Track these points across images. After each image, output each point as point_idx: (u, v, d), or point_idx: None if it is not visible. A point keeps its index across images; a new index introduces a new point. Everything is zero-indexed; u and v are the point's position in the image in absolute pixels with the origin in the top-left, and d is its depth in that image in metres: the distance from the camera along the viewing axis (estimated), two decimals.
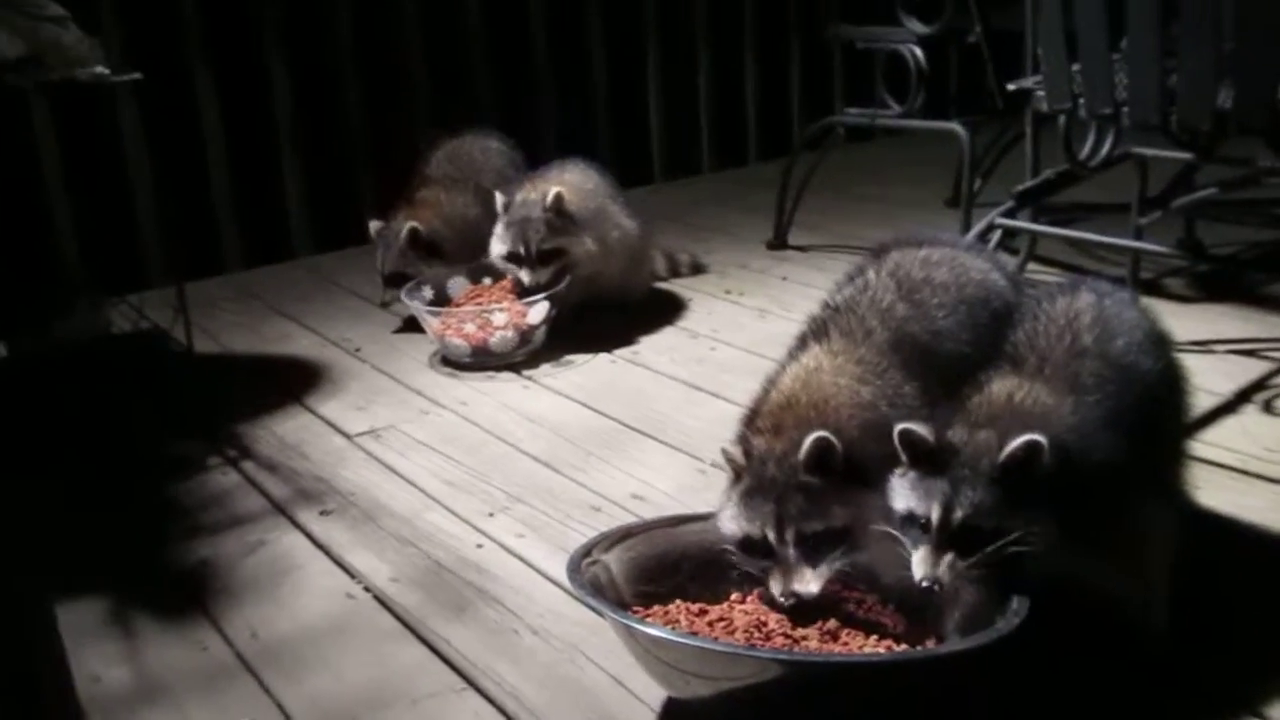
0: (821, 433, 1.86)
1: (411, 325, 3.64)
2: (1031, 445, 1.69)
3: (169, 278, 3.62)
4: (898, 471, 1.80)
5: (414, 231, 3.65)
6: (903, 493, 1.78)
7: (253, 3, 4.42)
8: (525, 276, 3.39)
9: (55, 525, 2.53)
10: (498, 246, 3.44)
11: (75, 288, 3.83)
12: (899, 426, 1.78)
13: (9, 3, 3.02)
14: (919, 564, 1.75)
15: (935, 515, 1.73)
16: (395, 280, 3.64)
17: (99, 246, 4.27)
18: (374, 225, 3.76)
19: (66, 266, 4.21)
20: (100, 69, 3.11)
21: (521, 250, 3.39)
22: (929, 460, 1.76)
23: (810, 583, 1.86)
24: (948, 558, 1.73)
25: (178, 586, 2.34)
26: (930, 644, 1.84)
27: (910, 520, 1.77)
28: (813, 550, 1.87)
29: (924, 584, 1.74)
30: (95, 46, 3.13)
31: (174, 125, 4.35)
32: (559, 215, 3.39)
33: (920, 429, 1.76)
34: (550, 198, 3.38)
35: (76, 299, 3.53)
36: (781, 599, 1.87)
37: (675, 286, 3.95)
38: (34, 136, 4.13)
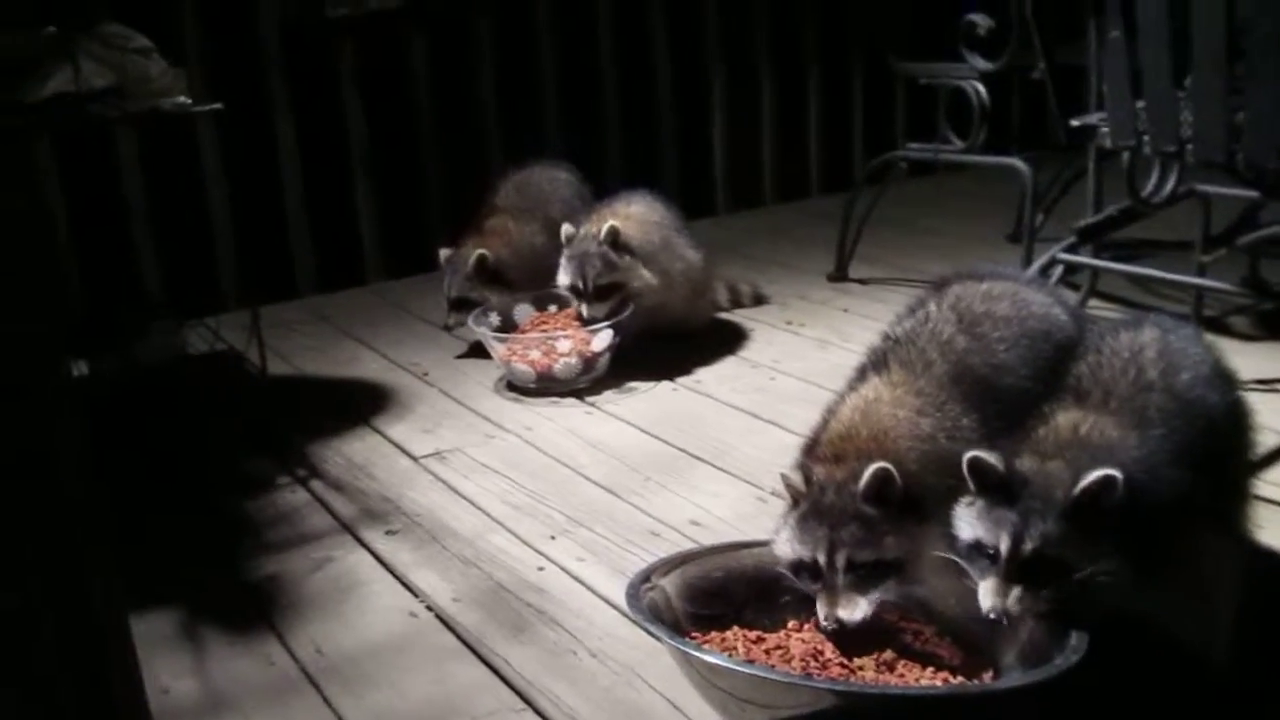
0: (882, 464, 1.85)
1: (478, 350, 3.66)
2: (1107, 480, 1.66)
3: (244, 301, 3.66)
4: (964, 500, 1.78)
5: (481, 259, 3.67)
6: (970, 521, 1.76)
7: (331, 38, 4.48)
8: (584, 310, 3.42)
9: (129, 539, 2.56)
10: (561, 277, 3.47)
11: (155, 311, 3.89)
12: (968, 454, 1.76)
13: (97, 35, 3.08)
14: (987, 594, 1.72)
15: (1005, 545, 1.70)
16: (460, 305, 3.67)
17: (178, 271, 4.34)
18: (443, 253, 3.79)
19: (147, 290, 4.28)
20: (183, 99, 3.17)
21: (580, 285, 3.41)
22: (997, 489, 1.73)
23: (856, 610, 1.84)
24: (1016, 590, 1.70)
25: (246, 601, 2.36)
26: (987, 678, 1.81)
27: (977, 549, 1.74)
28: (862, 579, 1.85)
29: (991, 614, 1.71)
30: (179, 77, 3.18)
31: (252, 154, 4.41)
32: (615, 249, 3.40)
33: (990, 457, 1.74)
34: (604, 232, 3.39)
35: (156, 321, 3.58)
36: (825, 623, 1.85)
37: (737, 317, 3.94)
38: (118, 164, 4.21)
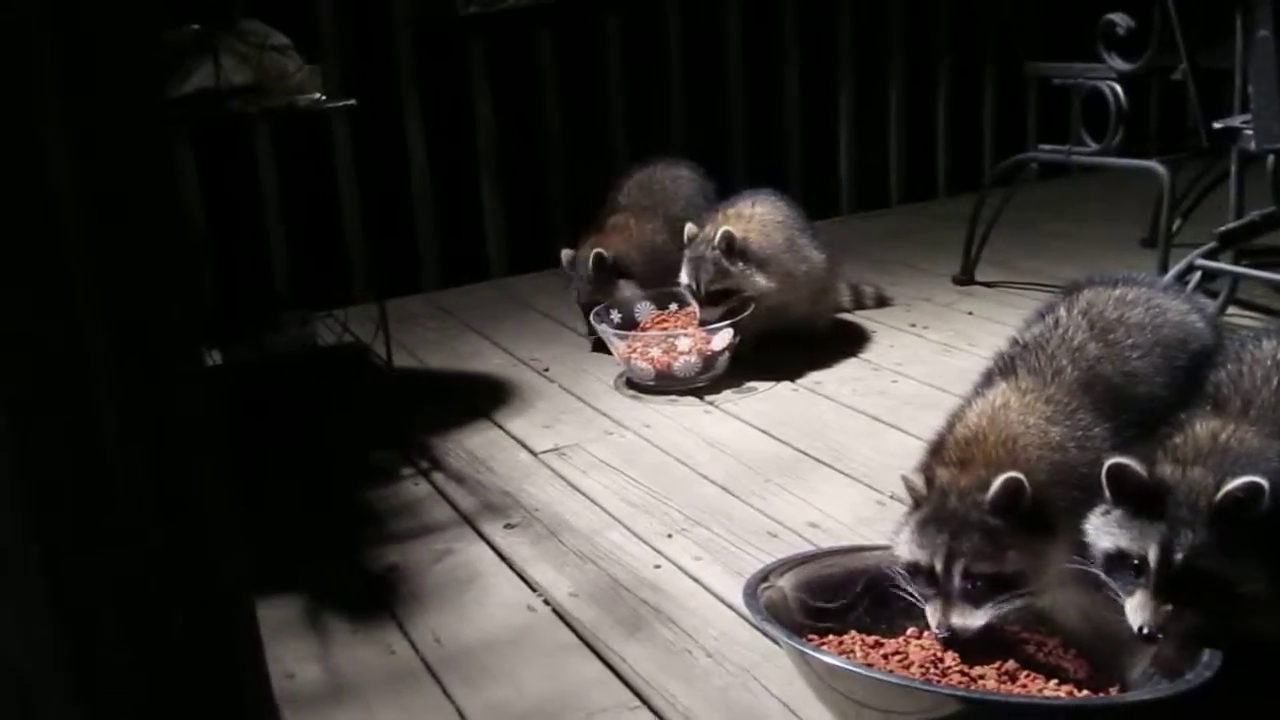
0: (1014, 474, 1.81)
1: (598, 347, 3.68)
2: (1252, 487, 1.61)
3: (372, 295, 3.73)
4: (1099, 509, 1.73)
5: (599, 258, 3.68)
6: (1110, 531, 1.71)
7: (461, 36, 4.54)
8: (699, 315, 3.42)
9: (257, 526, 2.63)
10: (682, 276, 3.47)
11: (286, 303, 3.98)
12: (1109, 460, 1.71)
13: (237, 31, 3.17)
14: (1137, 610, 1.67)
15: (1154, 556, 1.65)
16: (592, 310, 3.67)
17: (309, 263, 4.45)
18: (565, 254, 3.81)
19: (278, 282, 4.39)
20: (318, 95, 3.24)
21: (694, 287, 3.42)
22: (1138, 498, 1.69)
23: (970, 619, 1.81)
24: (1168, 606, 1.65)
25: (368, 590, 2.41)
26: (1114, 692, 1.77)
27: (1120, 560, 1.69)
28: (980, 590, 1.82)
29: (1144, 631, 1.66)
30: (315, 74, 3.26)
31: (382, 150, 4.49)
32: (730, 255, 3.38)
33: (1132, 463, 1.70)
34: (718, 237, 3.37)
35: (287, 313, 3.67)
36: (937, 629, 1.83)
37: (859, 318, 3.90)
38: (254, 158, 4.32)
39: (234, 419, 3.02)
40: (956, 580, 1.82)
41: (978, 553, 1.82)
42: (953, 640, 1.83)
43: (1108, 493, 1.72)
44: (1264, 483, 1.61)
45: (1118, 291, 2.16)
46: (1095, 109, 3.81)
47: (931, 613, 1.84)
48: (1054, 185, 5.08)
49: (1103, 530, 1.73)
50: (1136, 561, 1.67)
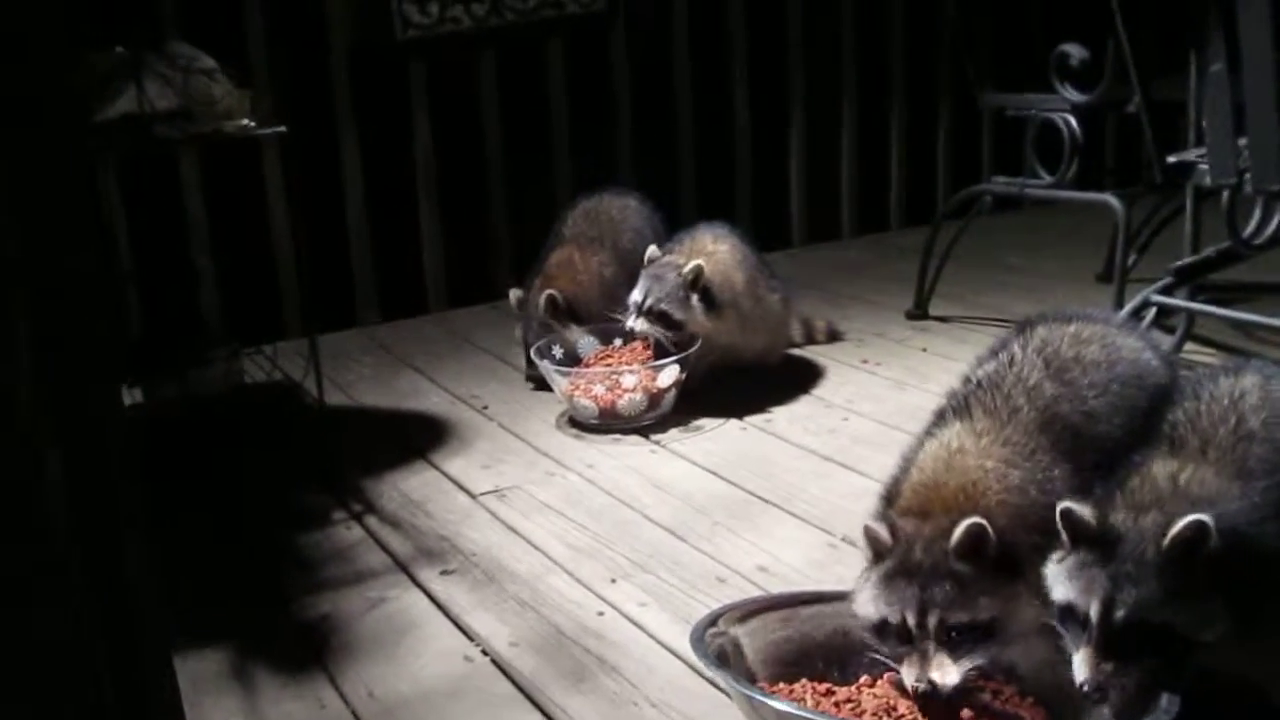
0: (977, 519, 1.82)
1: (540, 384, 3.67)
2: (1197, 527, 1.63)
3: (303, 329, 3.71)
4: (1055, 556, 1.74)
5: (552, 300, 3.66)
6: (1061, 582, 1.72)
7: (400, 61, 4.54)
8: (629, 320, 3.43)
9: (178, 573, 2.58)
10: (634, 292, 3.47)
11: (213, 338, 3.94)
12: (1061, 505, 1.72)
13: (164, 54, 3.15)
14: (1080, 666, 1.68)
15: (1095, 613, 1.66)
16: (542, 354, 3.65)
17: (237, 296, 4.41)
18: (513, 294, 3.80)
19: (205, 316, 4.34)
20: (247, 121, 3.23)
21: (639, 298, 3.42)
22: (1091, 544, 1.70)
23: (950, 673, 1.81)
24: (1110, 664, 1.65)
25: (298, 640, 2.38)
26: None
27: (1069, 612, 1.71)
28: (955, 642, 1.82)
29: (1084, 689, 1.67)
30: (244, 99, 3.24)
31: (316, 178, 4.47)
32: (692, 287, 3.40)
33: (1083, 510, 1.71)
34: (689, 269, 3.39)
35: (213, 349, 3.63)
36: (916, 683, 1.82)
37: (810, 354, 3.92)
38: (180, 186, 4.29)
39: (156, 460, 2.99)
40: (932, 633, 1.82)
41: (951, 602, 1.82)
42: (933, 695, 1.82)
43: (1063, 537, 1.73)
44: (1209, 520, 1.62)
45: (1072, 328, 2.18)
46: (1050, 141, 3.87)
47: (909, 669, 1.83)
48: (1009, 218, 5.15)
49: (1056, 579, 1.74)
50: (1082, 616, 1.68)
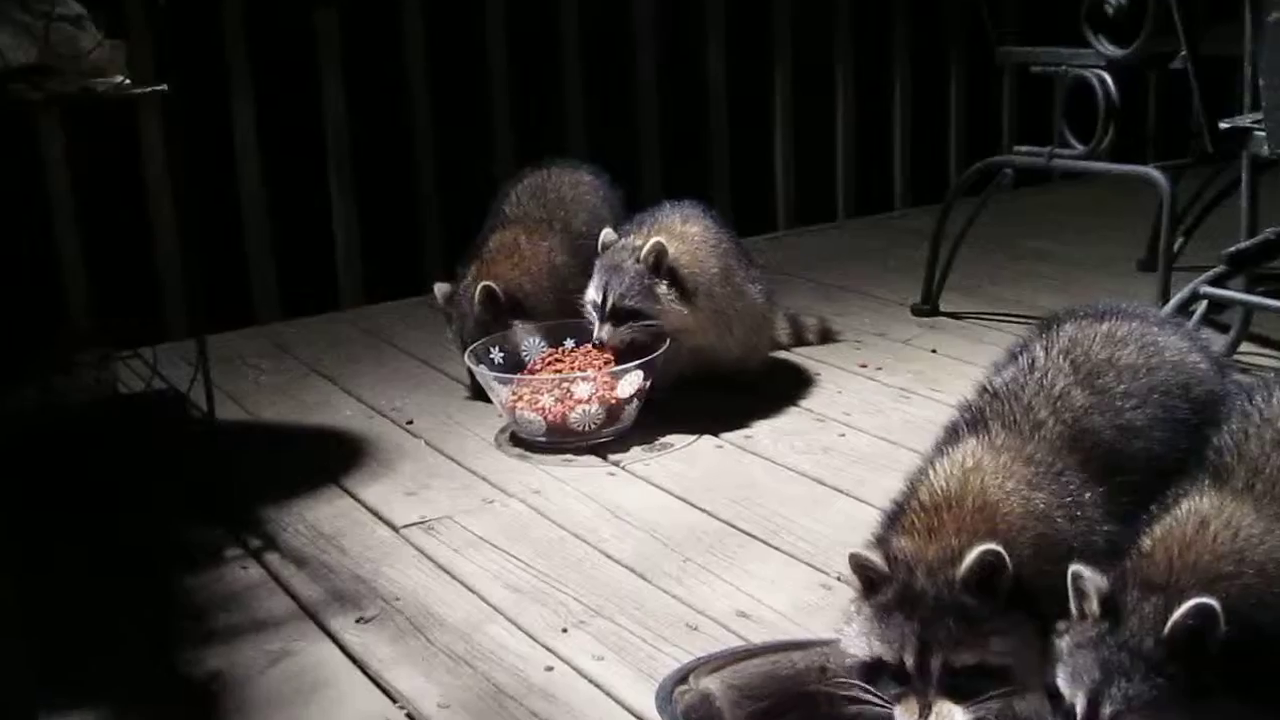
0: (992, 545, 1.84)
1: (477, 394, 3.67)
2: (1203, 611, 1.63)
3: (190, 329, 3.69)
4: (1061, 626, 1.76)
5: (489, 292, 3.66)
6: (1060, 661, 1.74)
7: (306, 8, 4.52)
8: (595, 331, 3.44)
9: (43, 621, 2.57)
10: (589, 290, 3.48)
11: (80, 338, 3.92)
12: (1071, 568, 1.74)
13: (18, 0, 3.13)
14: None
15: (1080, 709, 1.68)
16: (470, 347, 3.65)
17: (111, 288, 4.38)
18: (440, 289, 3.79)
19: (70, 313, 4.32)
20: (121, 79, 3.21)
21: (599, 299, 3.43)
22: (1093, 622, 1.72)
23: None
24: None
25: (184, 702, 2.37)
26: None
27: (1057, 702, 1.73)
28: (960, 686, 1.84)
29: None
30: (118, 51, 3.22)
31: (205, 148, 4.44)
32: (655, 272, 3.41)
33: (1094, 578, 1.73)
34: (646, 250, 3.40)
35: (81, 352, 3.61)
36: None
37: (800, 357, 3.94)
38: (41, 158, 4.26)
39: (11, 487, 2.98)
40: (935, 676, 1.84)
41: (957, 641, 1.84)
42: None
43: (1071, 603, 1.76)
44: (1215, 604, 1.62)
45: (1105, 326, 2.21)
46: (1081, 104, 3.90)
47: (905, 716, 1.85)
48: (1033, 195, 5.19)
49: (1058, 656, 1.75)
50: (1068, 709, 1.70)
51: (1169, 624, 1.65)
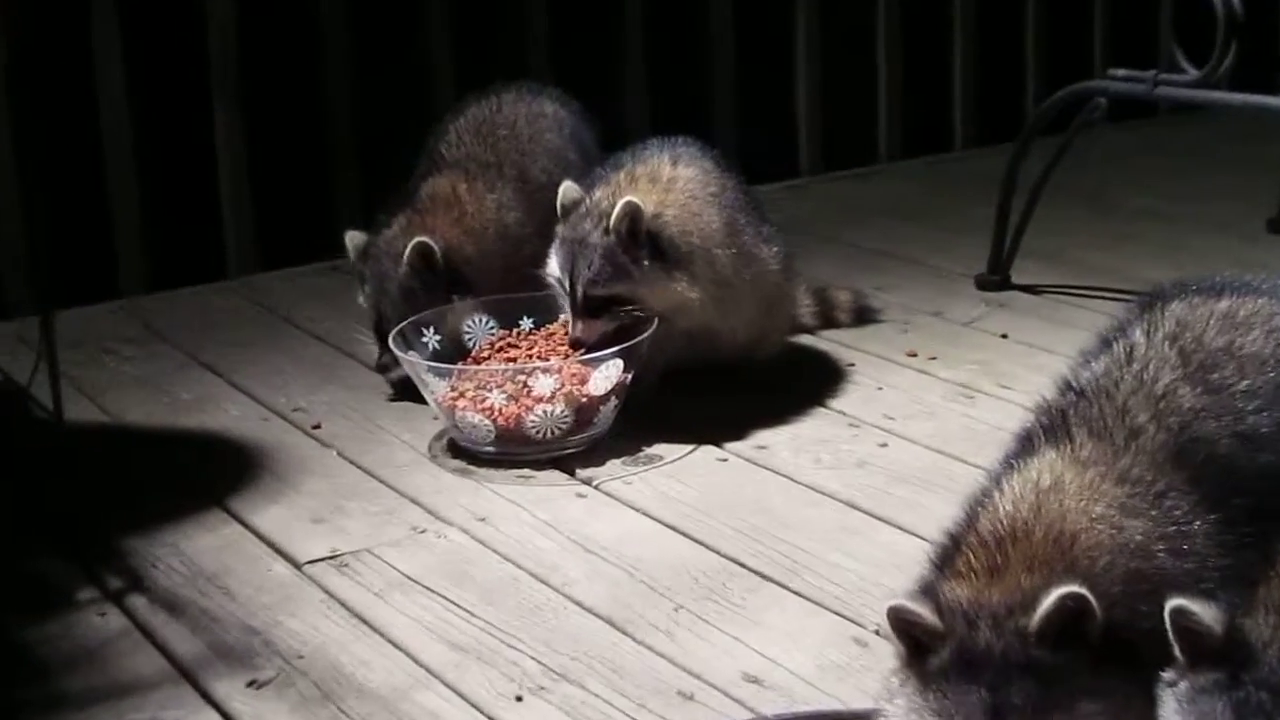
0: (1072, 588, 1.84)
1: (406, 390, 3.67)
2: None
3: (33, 302, 3.69)
4: (1167, 676, 1.78)
5: (424, 251, 3.64)
6: (1173, 714, 1.75)
7: None
8: (569, 328, 3.44)
9: None
10: (550, 264, 3.47)
11: None
12: (1170, 604, 1.75)
13: None
14: None
15: None
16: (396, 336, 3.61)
17: None
18: (353, 238, 3.78)
19: None
20: None
21: (568, 284, 3.43)
22: (1213, 662, 1.73)
23: None
24: None
25: None
26: None
27: None
28: None
29: None
30: None
31: (56, 74, 4.44)
32: (631, 242, 3.39)
33: (1202, 613, 1.74)
34: (616, 216, 3.38)
35: None
36: None
37: (828, 342, 3.95)
38: None
39: None
40: None
41: (1035, 707, 1.84)
42: None
43: (1177, 651, 1.76)
44: None
45: (1224, 305, 2.21)
46: (1195, 17, 3.91)
47: None
48: (1132, 133, 5.21)
49: (1168, 710, 1.77)
50: None
51: None
